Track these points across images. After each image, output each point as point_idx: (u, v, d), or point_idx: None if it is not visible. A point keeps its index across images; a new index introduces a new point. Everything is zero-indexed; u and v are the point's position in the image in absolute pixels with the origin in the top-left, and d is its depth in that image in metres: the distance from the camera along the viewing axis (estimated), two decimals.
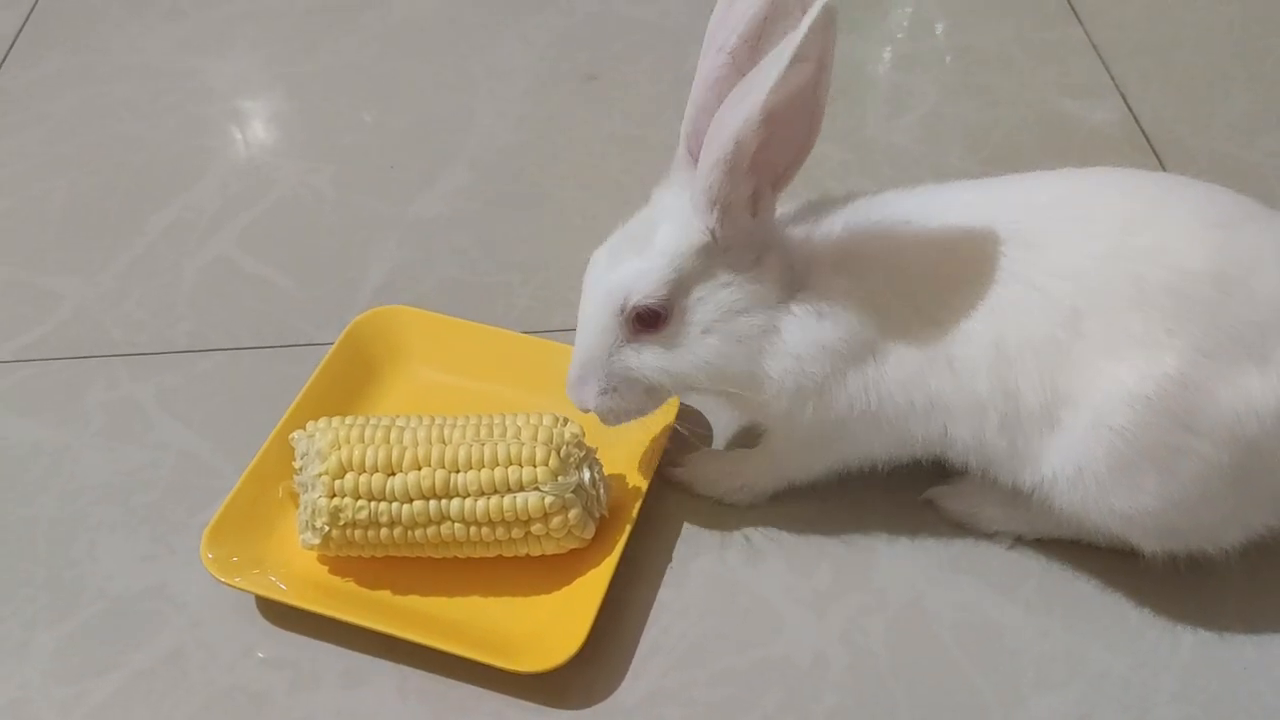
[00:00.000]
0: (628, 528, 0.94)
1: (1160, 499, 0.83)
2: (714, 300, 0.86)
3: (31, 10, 1.62)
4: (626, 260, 0.87)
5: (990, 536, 0.97)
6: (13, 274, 1.24)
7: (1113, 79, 1.46)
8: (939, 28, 1.59)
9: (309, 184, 1.34)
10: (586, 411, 0.90)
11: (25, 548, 0.98)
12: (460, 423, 0.92)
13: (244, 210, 1.31)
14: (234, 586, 0.90)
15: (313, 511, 0.89)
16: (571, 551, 0.93)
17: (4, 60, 1.54)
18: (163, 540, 0.98)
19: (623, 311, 0.86)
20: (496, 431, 0.91)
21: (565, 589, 0.93)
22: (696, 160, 0.83)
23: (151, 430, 1.07)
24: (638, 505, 0.96)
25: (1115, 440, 0.81)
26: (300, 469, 0.92)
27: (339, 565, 0.95)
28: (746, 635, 0.91)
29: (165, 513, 1.00)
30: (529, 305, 1.18)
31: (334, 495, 0.89)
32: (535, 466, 0.89)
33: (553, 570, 0.94)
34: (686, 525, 0.99)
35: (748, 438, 1.04)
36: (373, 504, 0.89)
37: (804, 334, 0.87)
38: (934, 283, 0.87)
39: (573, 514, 0.90)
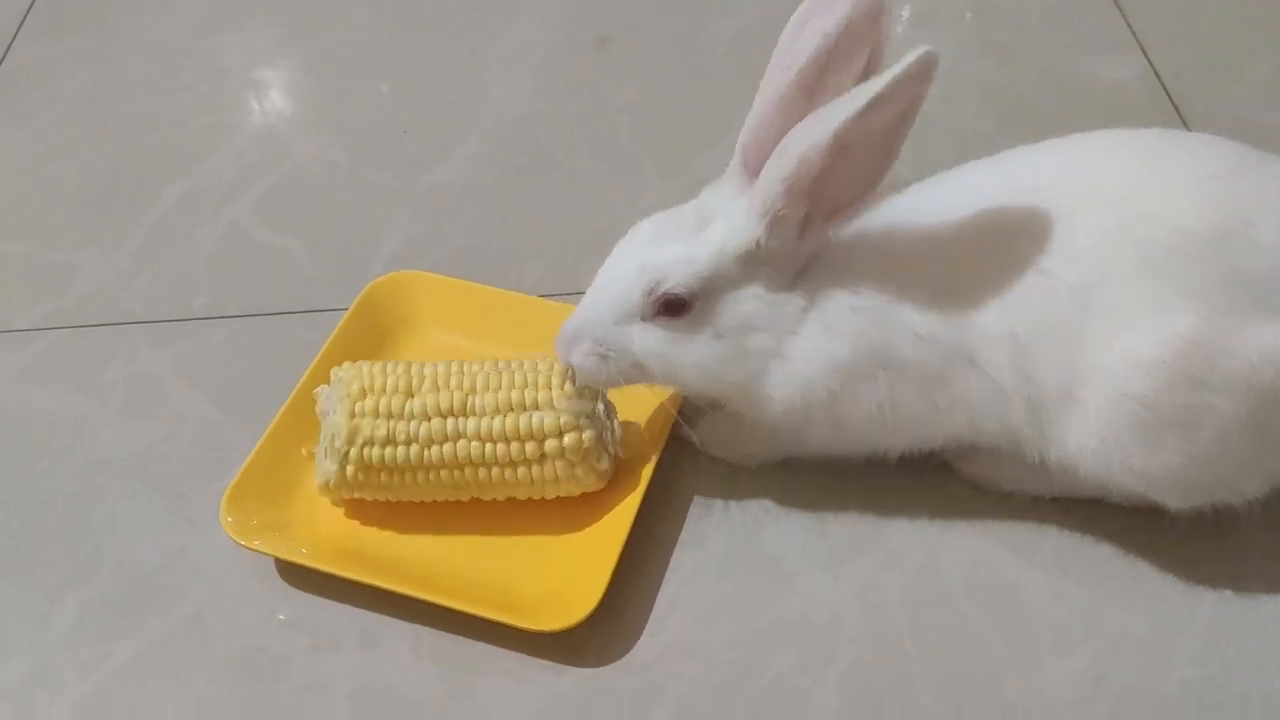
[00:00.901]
0: (644, 482, 0.94)
1: (1182, 456, 0.83)
2: (737, 309, 0.87)
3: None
4: (672, 244, 0.87)
5: (1008, 496, 0.96)
6: (30, 250, 1.24)
7: (1134, 35, 1.44)
8: None
9: (322, 156, 1.35)
10: (572, 364, 0.90)
11: (46, 518, 0.99)
12: (478, 363, 0.95)
13: (258, 181, 1.31)
14: (252, 549, 0.90)
15: (332, 436, 0.91)
16: (587, 506, 0.94)
17: (14, 40, 1.54)
18: (181, 509, 0.99)
19: (652, 292, 0.86)
20: (514, 365, 0.94)
21: (581, 546, 0.93)
22: (750, 170, 0.85)
23: (168, 400, 1.08)
24: (653, 461, 0.96)
25: (1135, 408, 0.81)
26: (324, 418, 0.93)
27: (357, 526, 0.96)
28: (762, 595, 0.92)
29: (184, 482, 1.01)
30: (543, 274, 1.18)
31: (354, 416, 0.91)
32: (550, 390, 0.91)
33: (569, 525, 0.95)
34: (700, 488, 0.99)
35: None
36: (391, 422, 0.91)
37: (813, 354, 0.87)
38: (943, 282, 0.86)
39: (587, 435, 0.91)
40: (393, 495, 0.94)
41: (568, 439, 0.91)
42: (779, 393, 0.89)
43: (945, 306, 0.86)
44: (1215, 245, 0.80)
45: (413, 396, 0.91)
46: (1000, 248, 0.85)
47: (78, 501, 1.00)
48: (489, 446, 0.91)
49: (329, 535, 0.95)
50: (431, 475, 0.92)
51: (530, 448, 0.91)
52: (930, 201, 0.90)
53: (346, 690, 0.87)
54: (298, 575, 0.93)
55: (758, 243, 0.85)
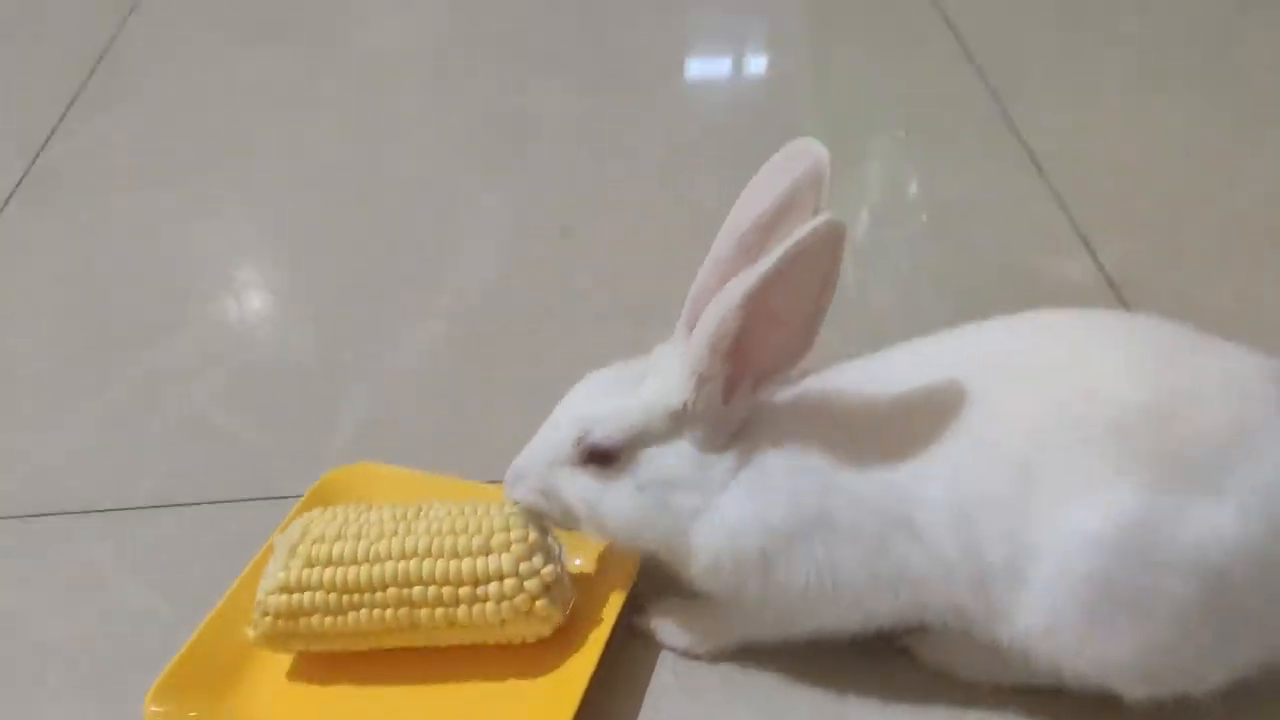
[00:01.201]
0: (595, 657, 0.92)
1: (1137, 642, 0.81)
2: (660, 464, 0.88)
3: (24, 175, 1.67)
4: (610, 397, 0.90)
5: (970, 684, 0.94)
6: None
7: (1076, 230, 1.49)
8: (912, 188, 1.64)
9: (285, 337, 1.36)
10: (514, 500, 0.93)
11: None
12: (428, 506, 0.95)
13: (216, 366, 1.31)
14: None
15: (271, 572, 0.91)
16: (537, 680, 0.93)
17: None
18: (113, 705, 0.94)
19: (580, 441, 0.89)
20: (466, 509, 0.94)
21: (534, 701, 0.91)
22: (690, 328, 0.87)
23: (108, 590, 1.05)
24: (607, 632, 0.94)
25: (1082, 588, 0.80)
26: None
27: (293, 714, 0.92)
28: None
29: (117, 674, 0.97)
30: (501, 460, 1.16)
31: (297, 549, 0.91)
32: (503, 534, 0.92)
33: (517, 700, 0.92)
34: (657, 672, 0.96)
35: None
36: (334, 544, 0.91)
37: (743, 512, 0.87)
38: (884, 449, 0.86)
39: (530, 583, 0.91)
40: (328, 642, 0.93)
41: (508, 583, 0.90)
42: (704, 547, 0.88)
43: (885, 472, 0.85)
44: (1156, 424, 0.80)
45: (357, 540, 0.92)
46: (943, 416, 0.85)
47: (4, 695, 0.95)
48: (431, 589, 0.90)
49: None
50: (364, 617, 0.91)
51: (476, 590, 0.91)
52: (874, 371, 0.91)
53: None
54: None
55: (685, 403, 0.86)
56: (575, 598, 0.97)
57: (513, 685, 0.93)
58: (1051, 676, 0.90)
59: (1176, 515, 0.78)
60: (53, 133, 1.78)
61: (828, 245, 0.79)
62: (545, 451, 0.92)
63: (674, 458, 0.88)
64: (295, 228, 1.57)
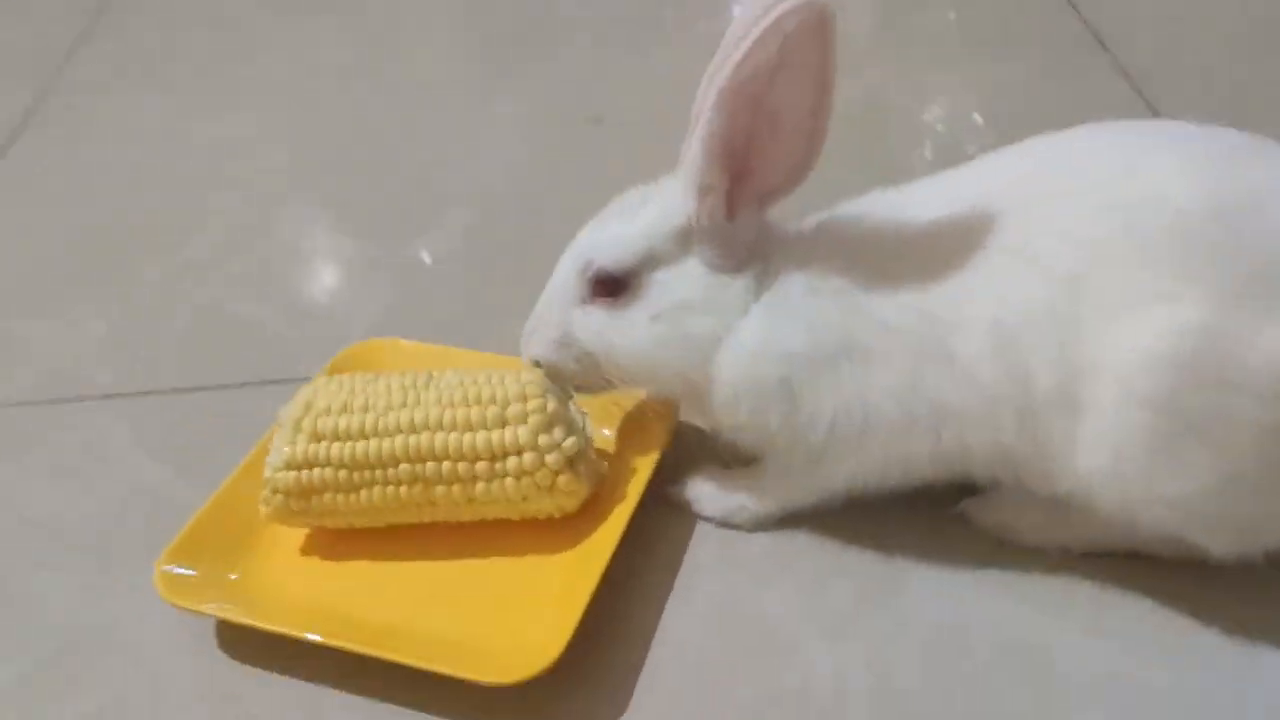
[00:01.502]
0: (621, 527, 0.85)
1: (1215, 477, 0.72)
2: (673, 288, 0.82)
3: (46, 88, 1.64)
4: (610, 225, 0.85)
5: (1034, 552, 0.86)
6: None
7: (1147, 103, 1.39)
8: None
9: (305, 230, 1.31)
10: (533, 361, 0.87)
11: None
12: (441, 375, 0.89)
13: (238, 256, 1.27)
14: (179, 606, 0.82)
15: (270, 460, 0.86)
16: (561, 555, 0.87)
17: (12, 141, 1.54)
18: (121, 577, 0.90)
19: (585, 271, 0.84)
20: (480, 379, 0.87)
21: (549, 593, 0.83)
22: None
23: (123, 467, 1.01)
24: (634, 503, 0.87)
25: (1147, 413, 0.71)
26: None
27: (316, 586, 0.87)
28: (757, 664, 0.81)
29: (128, 549, 0.92)
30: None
31: (295, 436, 0.85)
32: (521, 404, 0.84)
33: (538, 574, 0.86)
34: (693, 546, 0.89)
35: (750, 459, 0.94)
36: (340, 417, 0.85)
37: (761, 336, 0.81)
38: (916, 270, 0.78)
39: (551, 458, 0.84)
40: (342, 519, 0.87)
41: (527, 456, 0.84)
42: (724, 375, 0.82)
43: (918, 294, 0.77)
44: (1219, 225, 0.71)
45: (364, 413, 0.85)
46: (979, 235, 0.77)
47: (8, 570, 0.92)
48: (446, 464, 0.84)
49: (280, 594, 0.86)
50: (377, 494, 0.85)
51: (494, 466, 0.84)
52: (906, 196, 0.83)
53: None
54: (240, 648, 0.84)
55: (689, 219, 0.81)
56: (603, 471, 0.91)
57: (535, 561, 0.87)
58: (1124, 536, 0.82)
59: (1251, 328, 0.69)
60: (74, 45, 1.75)
61: (811, 31, 0.72)
62: (555, 297, 0.86)
63: (685, 280, 0.82)
64: (316, 124, 1.52)
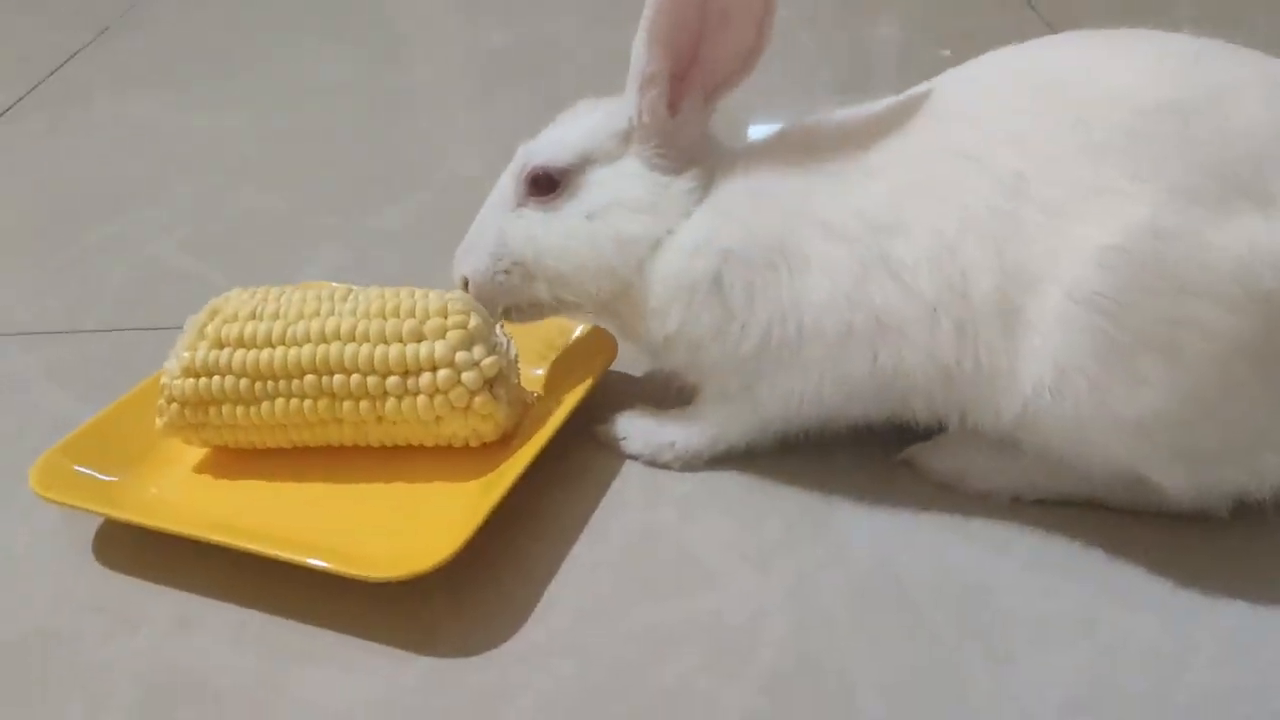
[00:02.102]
0: (531, 455, 0.79)
1: (1170, 391, 0.65)
2: (610, 186, 0.79)
3: (36, 86, 1.65)
4: (555, 127, 0.82)
5: (983, 499, 0.79)
6: None
7: None
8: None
9: (265, 204, 1.28)
10: (462, 280, 0.82)
11: None
12: (362, 290, 0.83)
13: (190, 222, 1.24)
14: (49, 499, 0.76)
15: (176, 353, 0.81)
16: (467, 483, 0.80)
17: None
18: (6, 490, 0.84)
19: (523, 170, 0.80)
20: (401, 293, 0.81)
21: (447, 516, 0.76)
22: None
23: (26, 395, 0.96)
24: (550, 432, 0.81)
25: (1095, 318, 0.65)
26: None
27: (211, 497, 0.81)
28: (669, 589, 0.74)
29: (17, 466, 0.86)
30: None
31: (195, 343, 0.80)
32: (441, 318, 0.79)
33: (441, 498, 0.80)
34: (618, 484, 0.83)
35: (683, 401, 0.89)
36: (247, 324, 0.80)
37: (698, 235, 0.77)
38: (860, 176, 0.74)
39: (468, 376, 0.78)
40: (242, 435, 0.81)
41: (442, 374, 0.77)
42: (659, 273, 0.77)
43: (859, 198, 0.73)
44: (1177, 123, 0.66)
45: (273, 320, 0.79)
46: (925, 140, 0.73)
47: None
48: (355, 377, 0.78)
49: (161, 500, 0.80)
50: (279, 407, 0.79)
51: (407, 382, 0.78)
52: (858, 110, 0.79)
53: (139, 673, 0.69)
54: (118, 557, 0.78)
55: (631, 119, 0.78)
56: (528, 401, 0.86)
57: (440, 487, 0.81)
58: (1076, 481, 0.76)
59: (1210, 227, 0.64)
60: (79, 50, 1.78)
61: None
62: (491, 206, 0.83)
63: (622, 178, 0.78)
64: (304, 123, 1.51)
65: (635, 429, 0.85)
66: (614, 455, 0.85)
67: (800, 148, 0.77)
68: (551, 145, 0.80)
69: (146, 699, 0.68)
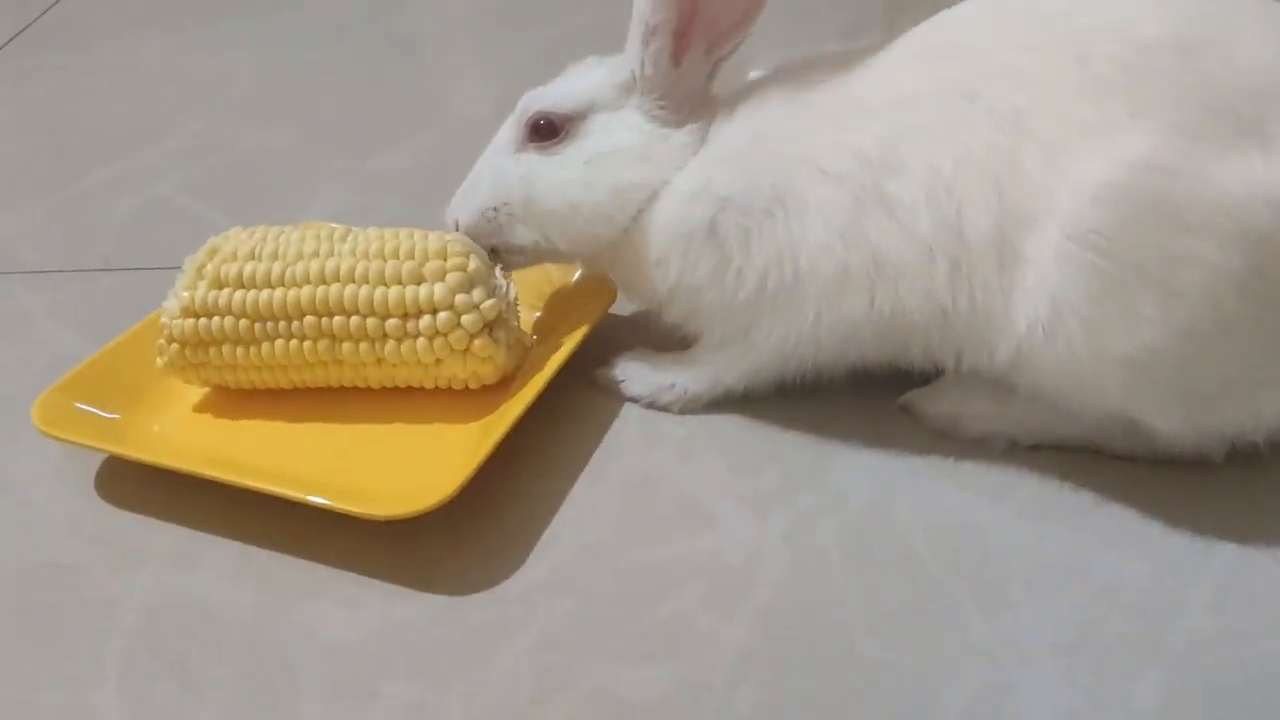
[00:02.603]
0: (542, 379, 0.80)
1: (1166, 328, 0.65)
2: (610, 134, 0.79)
3: (32, 22, 1.63)
4: (562, 80, 0.83)
5: (976, 444, 0.79)
6: None
7: None
8: None
9: (269, 145, 1.28)
10: (454, 224, 0.82)
11: None
12: (361, 231, 0.82)
13: (193, 163, 1.24)
14: (51, 435, 0.76)
15: (175, 293, 0.81)
16: (467, 425, 0.80)
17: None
18: (9, 428, 0.85)
19: (524, 115, 0.81)
20: (401, 235, 0.80)
21: (447, 457, 0.77)
22: None
23: (31, 332, 0.96)
24: (549, 374, 0.81)
25: (1091, 255, 0.65)
26: None
27: (190, 432, 0.82)
28: (668, 530, 0.74)
29: (21, 402, 0.87)
30: None
31: (203, 269, 0.80)
32: (441, 260, 0.78)
33: (440, 439, 0.80)
34: (617, 426, 0.83)
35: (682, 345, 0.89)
36: (246, 264, 0.80)
37: (695, 182, 0.77)
38: (857, 115, 0.74)
39: (468, 319, 0.78)
40: (242, 375, 0.81)
41: (442, 316, 0.77)
42: (657, 221, 0.78)
43: (856, 138, 0.73)
44: (1178, 58, 0.65)
45: (272, 261, 0.79)
46: (922, 77, 0.72)
47: None
48: (355, 319, 0.78)
49: (161, 438, 0.81)
50: (279, 348, 0.79)
51: (407, 324, 0.78)
52: (854, 50, 0.79)
53: (142, 606, 0.70)
54: (121, 494, 0.79)
55: (633, 72, 0.78)
56: (527, 344, 0.86)
57: (440, 429, 0.81)
58: (1072, 424, 0.76)
59: (1209, 164, 0.64)
60: None
61: None
62: (491, 151, 0.83)
63: (623, 126, 0.79)
64: (312, 69, 1.49)
65: (634, 372, 0.85)
66: (614, 398, 0.85)
67: (795, 90, 0.77)
68: (555, 93, 0.80)
69: (150, 630, 0.69)
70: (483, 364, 0.80)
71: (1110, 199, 0.64)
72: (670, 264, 0.78)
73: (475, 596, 0.70)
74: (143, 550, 0.74)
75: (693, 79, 0.79)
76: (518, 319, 0.84)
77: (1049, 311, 0.68)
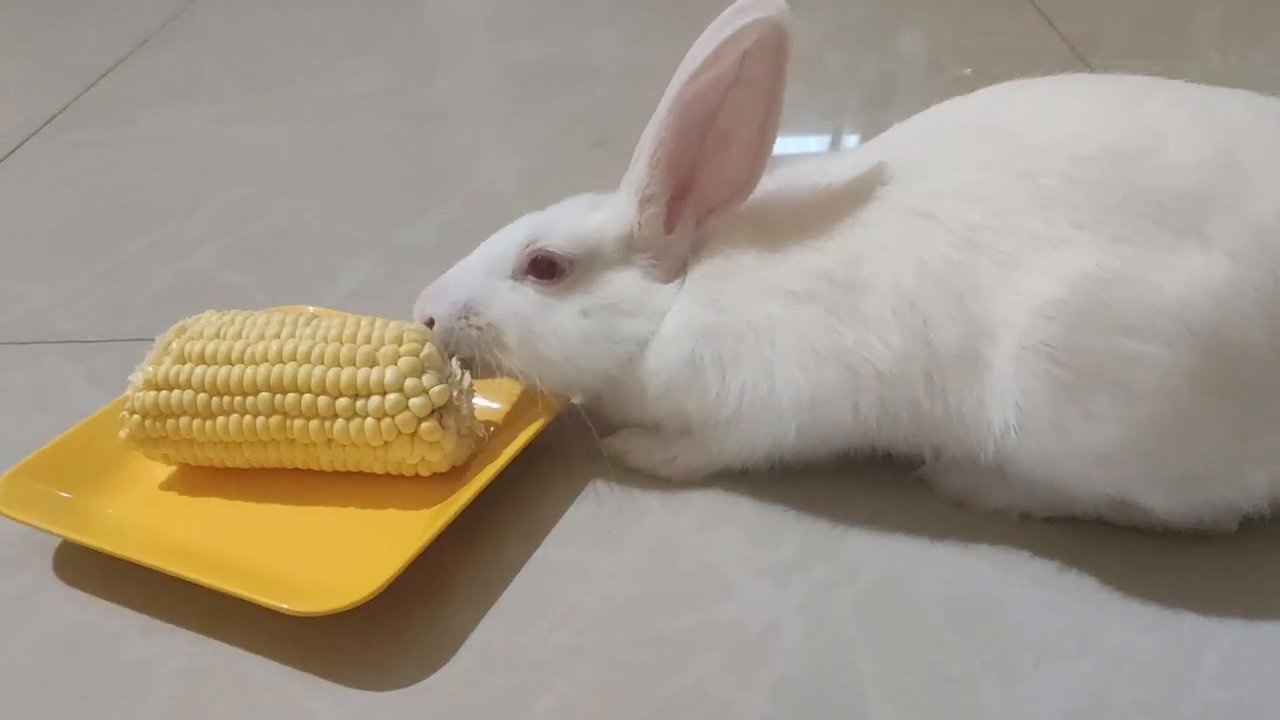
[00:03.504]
0: (480, 484, 0.80)
1: (1127, 425, 0.68)
2: (611, 288, 0.83)
3: (76, 97, 1.69)
4: (562, 215, 0.85)
5: (993, 516, 0.81)
6: None
7: None
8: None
9: (299, 217, 1.32)
10: (425, 319, 0.84)
11: None
12: (325, 318, 0.84)
13: (227, 234, 1.27)
14: (11, 517, 0.78)
15: (134, 382, 0.83)
16: (418, 511, 0.82)
17: (41, 128, 1.58)
18: None
19: (529, 245, 0.83)
20: (362, 321, 0.83)
21: (395, 541, 0.77)
22: None
23: (69, 401, 0.99)
24: (502, 463, 0.82)
25: (1045, 365, 0.69)
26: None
27: (146, 513, 0.83)
28: (687, 600, 0.76)
29: None
30: None
31: (170, 345, 0.83)
32: (395, 345, 0.80)
33: (389, 524, 0.81)
34: (635, 491, 0.86)
35: None
36: (209, 341, 0.82)
37: (674, 323, 0.81)
38: (820, 235, 0.78)
39: (415, 402, 0.79)
40: (200, 451, 0.83)
41: (390, 398, 0.79)
42: (652, 367, 0.81)
43: (820, 259, 0.77)
44: (1117, 167, 0.69)
45: (234, 340, 0.82)
46: (880, 196, 0.76)
47: None
48: (306, 397, 0.80)
49: (117, 520, 0.82)
50: (234, 423, 0.81)
51: (356, 404, 0.80)
52: (820, 165, 0.83)
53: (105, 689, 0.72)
54: (77, 575, 0.80)
55: (632, 228, 0.82)
56: (480, 434, 0.85)
57: (391, 514, 0.82)
58: (1083, 503, 0.78)
59: (1149, 268, 0.67)
60: (119, 62, 1.82)
61: (769, 49, 0.74)
62: (482, 263, 0.85)
63: (621, 283, 0.82)
64: (340, 137, 1.54)
65: (637, 445, 0.87)
66: (632, 472, 0.87)
67: (764, 216, 0.81)
68: (561, 232, 0.83)
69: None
70: (430, 449, 0.81)
71: (1056, 314, 0.68)
72: (660, 404, 0.82)
73: (497, 663, 0.72)
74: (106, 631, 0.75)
75: (682, 244, 0.83)
76: (470, 408, 0.84)
77: (1016, 416, 0.71)
